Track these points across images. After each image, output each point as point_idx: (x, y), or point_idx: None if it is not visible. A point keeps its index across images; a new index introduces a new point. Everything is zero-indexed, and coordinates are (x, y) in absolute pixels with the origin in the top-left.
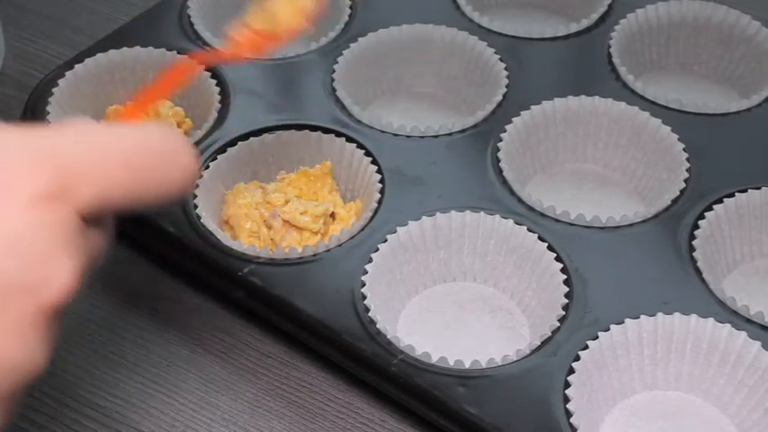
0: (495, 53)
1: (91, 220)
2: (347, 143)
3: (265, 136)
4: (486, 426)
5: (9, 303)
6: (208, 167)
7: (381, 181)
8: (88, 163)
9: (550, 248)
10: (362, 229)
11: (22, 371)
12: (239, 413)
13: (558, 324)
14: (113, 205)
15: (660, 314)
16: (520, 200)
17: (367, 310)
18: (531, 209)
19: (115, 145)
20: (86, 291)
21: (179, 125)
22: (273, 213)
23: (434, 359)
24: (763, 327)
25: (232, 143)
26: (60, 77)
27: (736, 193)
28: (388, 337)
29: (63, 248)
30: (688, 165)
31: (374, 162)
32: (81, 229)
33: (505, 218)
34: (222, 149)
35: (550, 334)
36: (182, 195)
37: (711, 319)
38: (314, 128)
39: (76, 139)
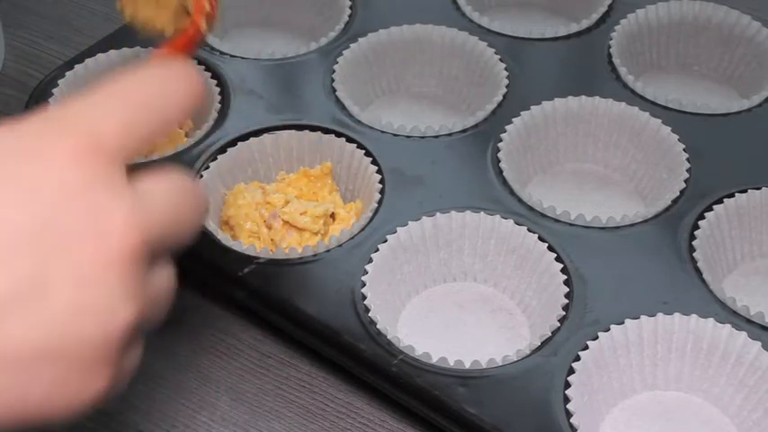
0: (495, 53)
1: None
2: (347, 143)
3: (265, 136)
4: (486, 426)
5: (72, 248)
6: (208, 167)
7: (381, 181)
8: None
9: (551, 249)
10: (362, 230)
11: (115, 320)
12: (239, 413)
13: (558, 324)
14: (143, 139)
15: (660, 314)
16: (520, 200)
17: (367, 310)
18: (531, 209)
19: (131, 87)
20: None
21: (180, 126)
22: (273, 214)
23: (434, 359)
24: (763, 327)
25: (232, 143)
26: (60, 77)
27: (736, 193)
28: (389, 337)
29: (118, 197)
30: (688, 165)
31: (374, 162)
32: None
33: (506, 218)
34: (222, 149)
35: (550, 334)
36: (194, 110)
37: (711, 320)
38: (314, 128)
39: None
